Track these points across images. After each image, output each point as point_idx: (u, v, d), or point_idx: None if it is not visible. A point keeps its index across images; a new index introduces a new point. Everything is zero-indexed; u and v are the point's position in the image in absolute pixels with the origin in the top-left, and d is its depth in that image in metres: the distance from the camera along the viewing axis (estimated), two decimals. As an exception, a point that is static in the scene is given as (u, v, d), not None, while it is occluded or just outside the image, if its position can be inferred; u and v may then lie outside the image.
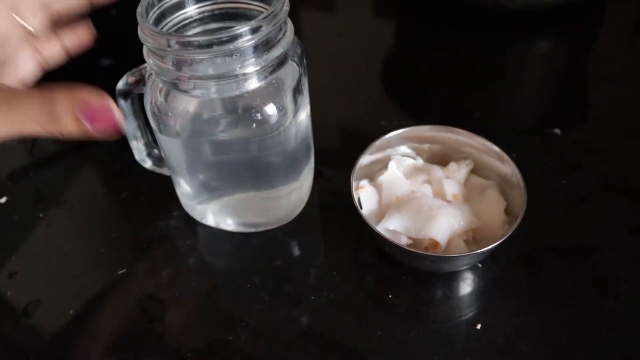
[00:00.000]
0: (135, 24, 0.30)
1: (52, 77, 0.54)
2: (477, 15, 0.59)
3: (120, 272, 0.38)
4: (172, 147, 0.34)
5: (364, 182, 0.38)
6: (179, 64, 0.29)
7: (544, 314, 0.34)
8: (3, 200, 0.44)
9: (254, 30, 0.28)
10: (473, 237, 0.36)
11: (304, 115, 0.35)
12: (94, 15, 0.57)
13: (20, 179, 0.46)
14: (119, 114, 0.28)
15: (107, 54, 0.56)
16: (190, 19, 0.34)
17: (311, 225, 0.40)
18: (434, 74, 0.55)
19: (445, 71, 0.55)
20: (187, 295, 0.36)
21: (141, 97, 0.34)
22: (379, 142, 0.38)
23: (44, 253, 0.40)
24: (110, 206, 0.43)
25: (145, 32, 0.29)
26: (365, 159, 0.37)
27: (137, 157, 0.39)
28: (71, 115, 0.26)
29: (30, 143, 0.49)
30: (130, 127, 0.37)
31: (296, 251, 0.39)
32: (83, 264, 0.39)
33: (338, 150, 0.47)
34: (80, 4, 0.36)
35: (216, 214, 0.38)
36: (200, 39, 0.28)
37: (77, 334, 0.35)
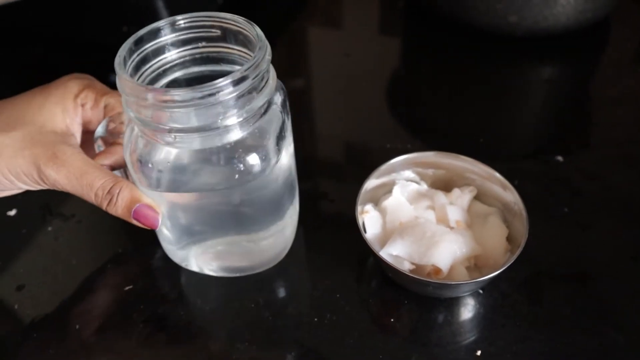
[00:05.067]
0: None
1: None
2: (482, 40, 0.60)
3: (126, 288, 0.38)
4: (152, 195, 0.33)
5: (369, 207, 0.38)
6: (158, 116, 0.28)
7: (544, 341, 0.34)
8: (12, 212, 0.44)
9: (235, 83, 0.28)
10: (475, 263, 0.36)
11: (287, 157, 0.34)
12: (104, 32, 0.59)
13: (29, 191, 0.46)
14: (160, 220, 0.33)
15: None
16: (170, 64, 0.33)
17: (316, 246, 0.41)
18: (438, 96, 0.56)
19: (449, 94, 0.56)
20: (192, 313, 0.37)
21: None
22: (384, 167, 0.38)
23: (52, 267, 0.40)
24: (117, 221, 0.43)
25: (123, 83, 0.28)
26: (370, 183, 0.38)
27: None
28: (127, 209, 0.32)
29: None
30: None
31: (301, 272, 0.39)
32: (90, 279, 0.39)
33: (342, 171, 0.48)
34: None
35: (199, 259, 0.38)
36: (181, 93, 0.27)
37: (83, 351, 0.35)
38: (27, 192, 0.46)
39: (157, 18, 0.54)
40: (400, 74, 0.60)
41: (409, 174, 0.40)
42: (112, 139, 0.35)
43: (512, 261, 0.33)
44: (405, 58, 0.63)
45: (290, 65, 0.59)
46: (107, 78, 0.57)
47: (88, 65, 0.61)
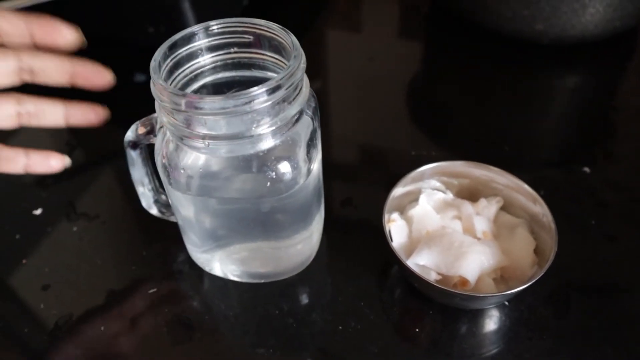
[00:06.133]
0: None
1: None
2: (506, 46, 0.59)
3: (151, 290, 0.39)
4: (181, 198, 0.33)
5: (395, 215, 0.38)
6: (191, 122, 0.29)
7: (571, 355, 0.34)
8: (38, 212, 0.45)
9: (270, 91, 0.28)
10: (501, 275, 0.36)
11: (317, 165, 0.34)
12: (130, 32, 0.59)
13: (54, 191, 0.47)
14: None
15: (143, 69, 0.57)
16: (202, 69, 0.33)
17: (340, 253, 0.40)
18: (461, 103, 0.55)
19: (473, 100, 0.56)
20: (215, 318, 0.37)
21: (150, 144, 0.34)
22: (412, 175, 0.38)
23: (77, 267, 0.41)
24: (142, 223, 0.44)
25: (158, 89, 0.28)
26: (397, 191, 0.38)
27: (143, 204, 0.39)
28: None
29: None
30: (137, 174, 0.37)
31: (325, 279, 0.39)
32: (114, 280, 0.40)
33: (365, 177, 0.48)
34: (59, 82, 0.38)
35: (223, 263, 0.38)
36: (216, 100, 0.27)
37: (108, 352, 0.35)
38: (53, 192, 0.47)
39: (182, 18, 0.55)
40: (423, 80, 0.59)
41: (434, 182, 0.40)
42: (141, 142, 0.35)
43: (542, 274, 0.33)
44: (427, 63, 0.63)
45: (310, 69, 0.59)
46: (132, 76, 0.58)
47: (113, 64, 0.62)
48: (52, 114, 0.39)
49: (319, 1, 0.71)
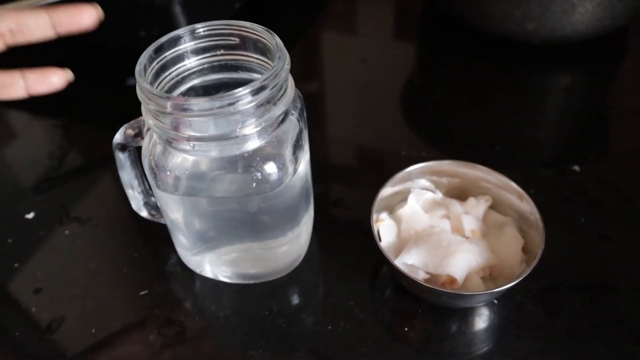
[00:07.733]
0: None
1: (80, 91, 0.56)
2: (498, 47, 0.59)
3: (142, 293, 0.39)
4: (169, 201, 0.34)
5: (384, 215, 0.38)
6: (177, 124, 0.29)
7: (561, 353, 0.34)
8: (30, 215, 0.45)
9: (254, 92, 0.28)
10: (490, 273, 0.36)
11: (304, 165, 0.34)
12: (122, 36, 0.60)
13: (46, 195, 0.47)
14: None
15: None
16: (189, 71, 0.33)
17: (330, 254, 0.41)
18: (453, 103, 0.56)
19: (465, 101, 0.56)
20: (206, 319, 0.37)
21: (139, 147, 0.34)
22: (400, 175, 0.38)
23: (69, 270, 0.41)
24: (134, 226, 0.44)
25: (143, 92, 0.29)
26: (385, 191, 0.38)
27: (133, 206, 0.39)
28: None
29: (58, 159, 0.50)
30: (126, 176, 0.37)
31: (315, 280, 0.39)
32: (106, 283, 0.40)
33: (356, 177, 0.48)
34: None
35: (213, 265, 0.38)
36: (201, 102, 0.27)
37: (99, 355, 0.36)
38: (45, 196, 0.47)
39: (174, 22, 0.55)
40: (416, 81, 0.60)
41: (424, 182, 0.40)
42: (129, 144, 0.35)
43: (529, 272, 0.33)
44: (421, 64, 0.63)
45: (305, 70, 0.59)
46: (124, 80, 0.58)
47: (106, 68, 0.62)
48: (37, 26, 0.35)
49: (315, 4, 0.71)
